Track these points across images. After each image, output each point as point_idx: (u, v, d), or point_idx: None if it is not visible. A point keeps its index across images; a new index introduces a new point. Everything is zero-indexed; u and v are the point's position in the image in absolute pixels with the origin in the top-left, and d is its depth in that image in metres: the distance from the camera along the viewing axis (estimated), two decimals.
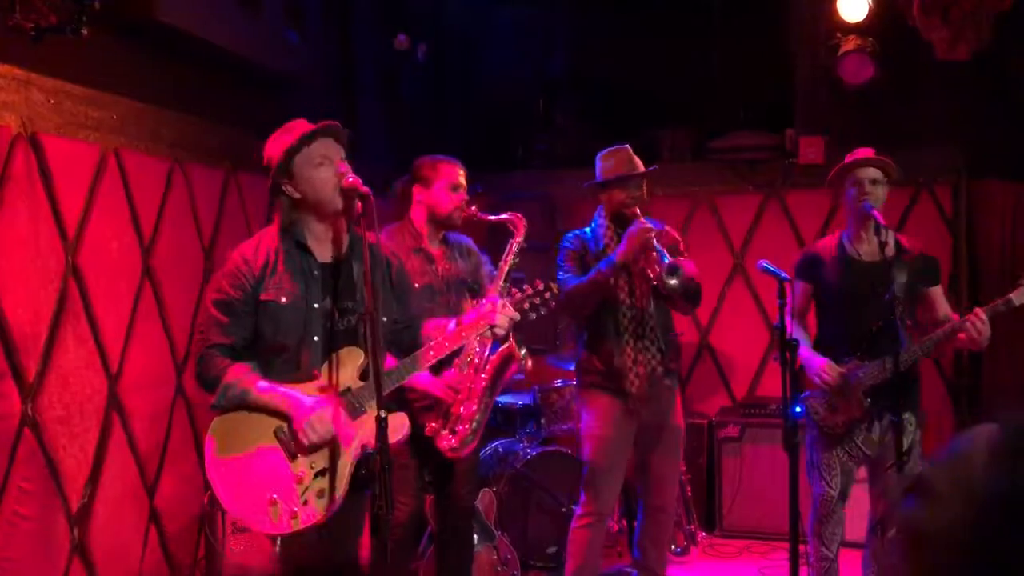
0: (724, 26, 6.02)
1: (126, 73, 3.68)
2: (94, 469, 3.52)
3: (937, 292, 3.68)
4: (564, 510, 4.51)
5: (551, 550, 4.55)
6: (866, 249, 3.65)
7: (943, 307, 3.66)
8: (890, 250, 3.49)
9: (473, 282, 3.67)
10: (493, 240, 4.88)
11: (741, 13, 5.94)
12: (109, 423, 3.60)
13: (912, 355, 3.49)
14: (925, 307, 3.65)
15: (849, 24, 5.30)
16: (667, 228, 3.93)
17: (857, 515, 3.94)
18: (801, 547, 3.46)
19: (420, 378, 3.16)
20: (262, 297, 2.62)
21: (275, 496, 2.55)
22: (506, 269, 3.56)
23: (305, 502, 2.56)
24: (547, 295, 2.94)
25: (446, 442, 3.35)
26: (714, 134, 5.89)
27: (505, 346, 3.42)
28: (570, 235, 3.95)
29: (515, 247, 3.58)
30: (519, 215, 3.65)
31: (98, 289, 3.54)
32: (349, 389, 2.65)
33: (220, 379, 2.57)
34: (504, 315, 2.79)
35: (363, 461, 2.62)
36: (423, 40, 5.65)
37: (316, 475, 2.58)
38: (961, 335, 3.45)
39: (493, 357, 3.44)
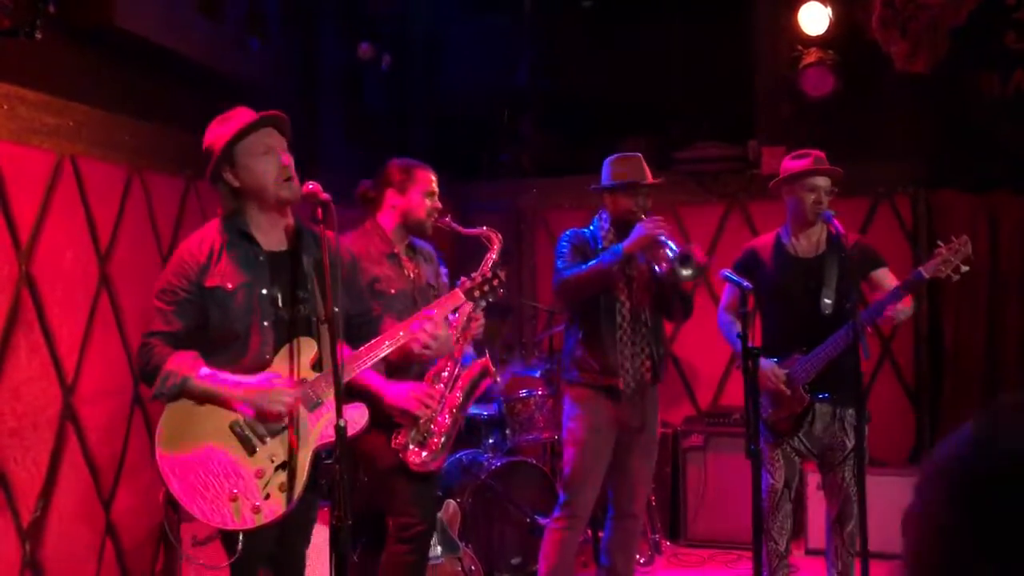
0: (688, 38, 6.07)
1: (84, 79, 3.63)
2: (47, 482, 3.44)
3: (884, 273, 3.72)
4: (529, 521, 4.49)
5: (516, 561, 4.53)
6: (802, 246, 3.75)
7: (893, 285, 3.69)
8: (823, 246, 3.67)
9: (438, 288, 3.60)
10: (457, 251, 4.88)
11: (704, 25, 6.00)
12: (63, 435, 3.53)
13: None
14: (876, 290, 3.70)
15: (810, 37, 5.37)
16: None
17: (823, 524, 3.97)
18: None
19: (393, 394, 3.08)
20: (207, 284, 2.59)
21: (236, 491, 2.51)
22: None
23: (267, 496, 2.52)
24: (495, 282, 2.95)
25: (415, 456, 3.27)
26: (678, 145, 5.93)
27: (480, 360, 3.39)
28: (569, 232, 3.92)
29: (490, 263, 3.44)
30: (494, 230, 3.54)
31: (53, 298, 3.47)
32: (304, 380, 2.62)
33: (160, 367, 2.52)
34: (424, 332, 2.81)
35: (322, 471, 2.58)
36: (387, 49, 5.63)
37: (276, 468, 2.55)
38: (886, 313, 3.52)
39: (466, 371, 3.39)
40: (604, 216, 3.88)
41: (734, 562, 5.01)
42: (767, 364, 3.63)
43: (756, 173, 5.65)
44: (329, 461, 2.50)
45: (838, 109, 5.41)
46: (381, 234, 3.45)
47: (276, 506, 2.53)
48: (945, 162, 5.44)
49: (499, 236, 3.51)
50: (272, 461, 2.55)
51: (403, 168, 3.47)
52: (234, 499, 2.51)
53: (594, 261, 3.70)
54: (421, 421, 3.23)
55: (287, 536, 2.71)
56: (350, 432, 2.42)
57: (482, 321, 3.39)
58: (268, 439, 2.56)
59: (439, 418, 3.30)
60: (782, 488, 3.72)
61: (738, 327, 3.33)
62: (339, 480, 2.30)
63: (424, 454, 3.28)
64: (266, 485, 2.53)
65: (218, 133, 2.64)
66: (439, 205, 3.48)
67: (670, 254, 3.54)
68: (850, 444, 3.61)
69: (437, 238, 3.69)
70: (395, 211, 3.45)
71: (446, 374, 3.34)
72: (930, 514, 0.86)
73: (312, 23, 5.34)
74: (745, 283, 3.39)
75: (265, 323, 2.61)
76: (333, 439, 2.43)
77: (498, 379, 3.48)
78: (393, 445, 3.25)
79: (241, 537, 2.54)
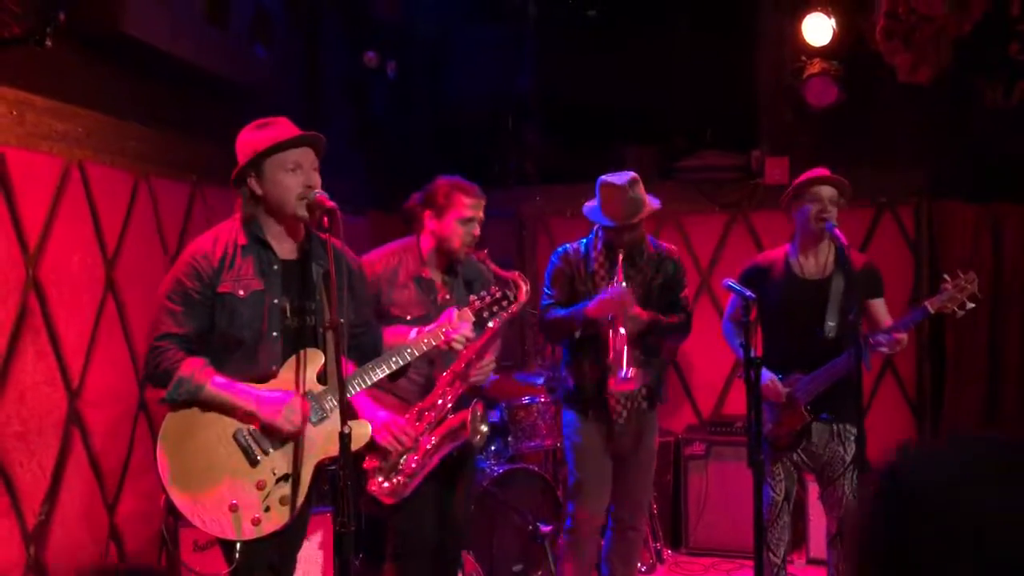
0: (692, 48, 6.09)
1: (91, 85, 3.65)
2: (52, 486, 3.46)
3: (878, 304, 3.74)
4: (531, 528, 4.49)
5: (517, 568, 4.53)
6: (810, 266, 3.72)
7: (884, 318, 3.73)
8: (830, 267, 3.63)
9: None
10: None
11: (708, 35, 6.02)
12: (69, 439, 3.54)
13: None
14: (867, 318, 3.71)
15: (814, 48, 5.39)
16: (672, 249, 3.90)
17: (823, 534, 3.98)
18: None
19: (368, 420, 3.02)
20: (219, 290, 2.58)
21: (235, 502, 2.51)
22: (496, 328, 3.28)
23: (267, 508, 2.53)
24: (504, 302, 2.96)
25: (375, 485, 3.21)
26: (681, 154, 5.95)
27: (461, 413, 3.29)
28: (560, 250, 3.87)
29: (502, 321, 3.28)
30: (525, 279, 3.34)
31: (59, 303, 3.49)
32: (310, 392, 2.62)
33: (173, 372, 2.50)
34: (459, 332, 2.81)
35: (325, 476, 2.60)
36: (392, 57, 5.65)
37: (278, 480, 2.55)
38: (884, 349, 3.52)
39: (448, 420, 3.29)
40: (600, 233, 3.81)
41: (735, 571, 5.01)
42: (770, 376, 3.64)
43: (759, 183, 5.67)
44: (333, 468, 2.51)
45: (841, 119, 5.43)
46: (417, 255, 3.39)
47: (276, 519, 2.53)
48: (948, 172, 5.44)
49: (527, 288, 3.32)
50: (274, 473, 2.55)
51: (445, 190, 3.38)
52: (234, 510, 2.51)
53: (570, 310, 3.68)
54: (392, 455, 3.18)
55: (286, 543, 2.72)
56: (353, 447, 2.42)
57: (487, 367, 3.31)
58: (271, 451, 2.57)
59: (409, 457, 3.23)
60: (781, 500, 3.73)
61: (730, 333, 3.35)
62: (343, 487, 2.31)
63: (385, 485, 3.21)
64: (267, 497, 2.53)
65: (256, 138, 2.63)
66: (476, 233, 3.37)
67: (618, 368, 3.50)
68: (848, 457, 3.61)
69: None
70: (433, 236, 3.39)
71: (432, 414, 3.26)
72: (856, 542, 0.93)
73: (317, 30, 5.37)
74: (748, 293, 3.40)
75: (274, 333, 2.62)
76: (336, 454, 2.44)
77: (478, 438, 3.33)
78: (364, 465, 3.20)
79: (239, 547, 2.54)
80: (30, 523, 3.35)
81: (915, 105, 5.33)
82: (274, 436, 2.56)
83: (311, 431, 2.59)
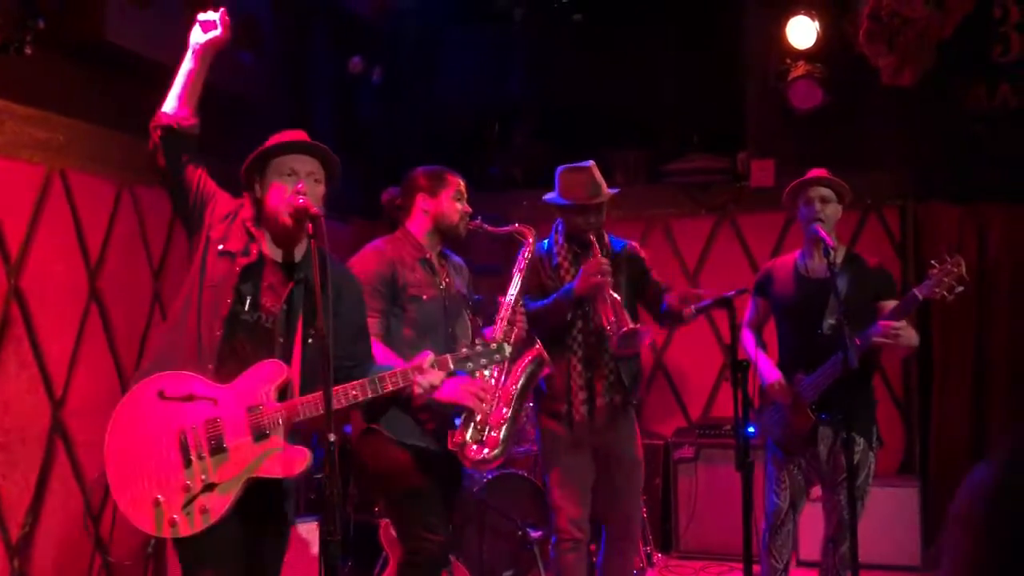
0: (677, 51, 6.11)
1: (74, 93, 3.63)
2: (36, 497, 3.43)
3: (890, 305, 3.71)
4: (520, 534, 4.48)
5: (507, 574, 4.51)
6: (815, 266, 3.72)
7: None
8: (829, 269, 3.60)
9: (470, 298, 3.50)
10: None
11: (695, 39, 6.04)
12: (52, 449, 3.52)
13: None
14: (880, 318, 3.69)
15: (798, 51, 5.41)
16: (632, 244, 3.88)
17: (815, 536, 3.96)
18: (755, 567, 3.47)
19: (445, 389, 2.85)
20: (217, 244, 2.57)
21: (160, 497, 2.45)
22: (518, 283, 3.37)
23: (188, 513, 2.46)
24: (497, 356, 2.76)
25: (474, 453, 3.13)
26: (668, 157, 5.96)
27: (534, 348, 3.28)
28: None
29: (524, 260, 3.40)
30: (528, 226, 3.46)
31: (42, 312, 3.46)
32: (258, 407, 2.50)
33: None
34: (425, 378, 2.64)
35: (313, 486, 2.57)
36: (380, 62, 5.64)
37: (203, 489, 2.47)
38: (876, 337, 3.48)
39: (519, 361, 3.28)
40: (560, 228, 3.80)
41: (726, 573, 5.01)
42: (775, 376, 3.65)
43: (745, 185, 5.69)
44: (319, 476, 2.47)
45: (826, 122, 5.44)
46: (412, 240, 3.36)
47: (194, 525, 2.46)
48: (933, 174, 5.47)
49: (532, 231, 3.43)
50: (202, 479, 2.47)
51: (432, 173, 3.41)
52: (157, 504, 2.45)
53: (553, 297, 3.64)
54: (478, 417, 3.14)
55: (262, 556, 2.65)
56: (293, 472, 2.43)
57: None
58: (206, 456, 2.48)
59: (495, 412, 3.19)
60: (787, 509, 3.70)
61: (745, 338, 3.35)
62: (329, 495, 2.29)
63: (485, 451, 3.15)
64: (189, 502, 2.45)
65: (269, 142, 2.65)
66: (469, 209, 3.40)
67: (617, 323, 3.46)
68: (853, 463, 3.56)
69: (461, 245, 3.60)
70: (427, 216, 3.35)
71: (497, 369, 3.23)
72: (962, 556, 0.86)
73: (304, 36, 5.36)
74: (729, 295, 3.40)
75: (218, 334, 2.52)
76: (273, 474, 2.42)
77: (547, 369, 3.37)
78: (450, 446, 3.13)
79: (172, 544, 2.51)
80: (14, 535, 3.32)
81: (899, 107, 5.36)
82: (217, 442, 2.49)
83: (252, 448, 2.50)
